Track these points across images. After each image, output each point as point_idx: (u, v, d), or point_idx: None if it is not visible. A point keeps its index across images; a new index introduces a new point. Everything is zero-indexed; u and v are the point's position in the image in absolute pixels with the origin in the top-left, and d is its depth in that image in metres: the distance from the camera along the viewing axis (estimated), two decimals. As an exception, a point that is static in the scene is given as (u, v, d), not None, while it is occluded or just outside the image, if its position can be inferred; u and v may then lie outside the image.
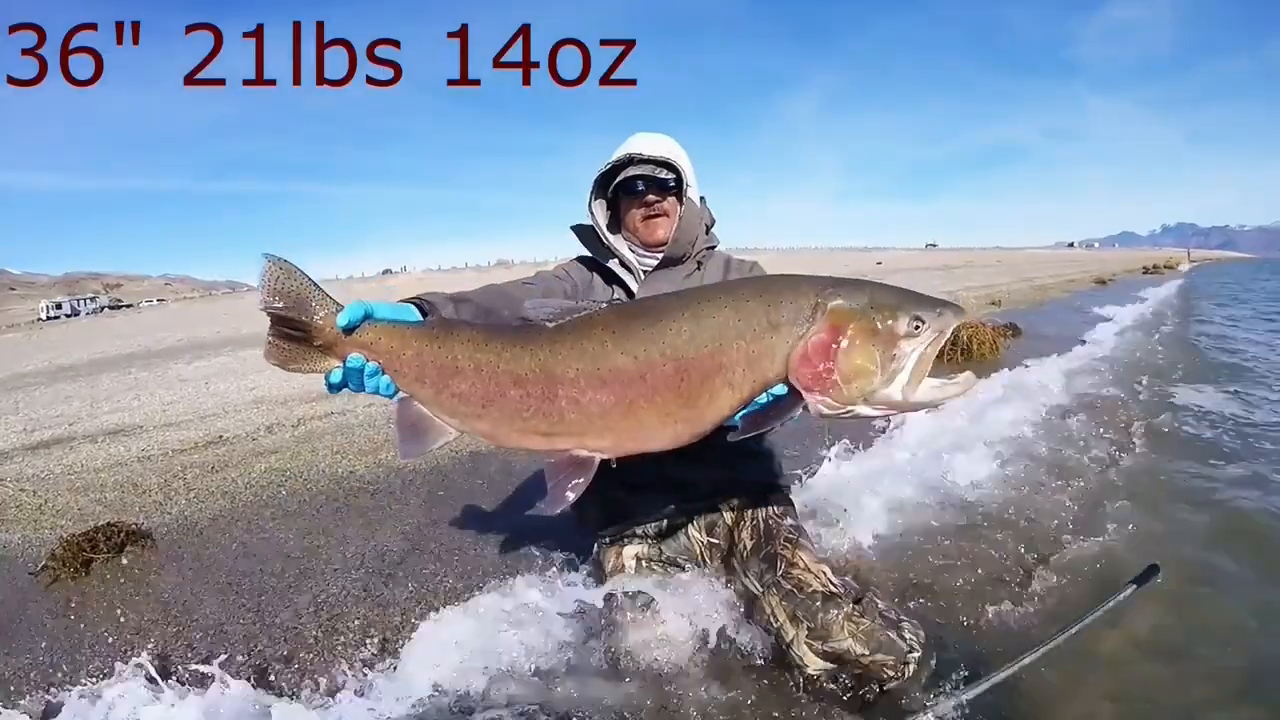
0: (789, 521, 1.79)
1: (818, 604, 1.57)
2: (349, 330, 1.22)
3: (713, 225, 1.81)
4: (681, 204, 1.70)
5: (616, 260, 1.75)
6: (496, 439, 1.28)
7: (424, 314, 1.33)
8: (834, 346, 1.16)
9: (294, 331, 1.23)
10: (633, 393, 1.20)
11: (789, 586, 1.63)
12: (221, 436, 4.58)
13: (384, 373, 1.24)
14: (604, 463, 1.73)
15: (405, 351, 1.24)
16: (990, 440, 3.58)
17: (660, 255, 1.74)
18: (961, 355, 6.05)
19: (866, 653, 1.53)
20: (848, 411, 1.19)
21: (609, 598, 1.81)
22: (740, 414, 1.21)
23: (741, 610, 1.84)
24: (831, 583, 1.63)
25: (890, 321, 1.17)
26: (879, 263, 47.56)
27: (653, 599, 1.77)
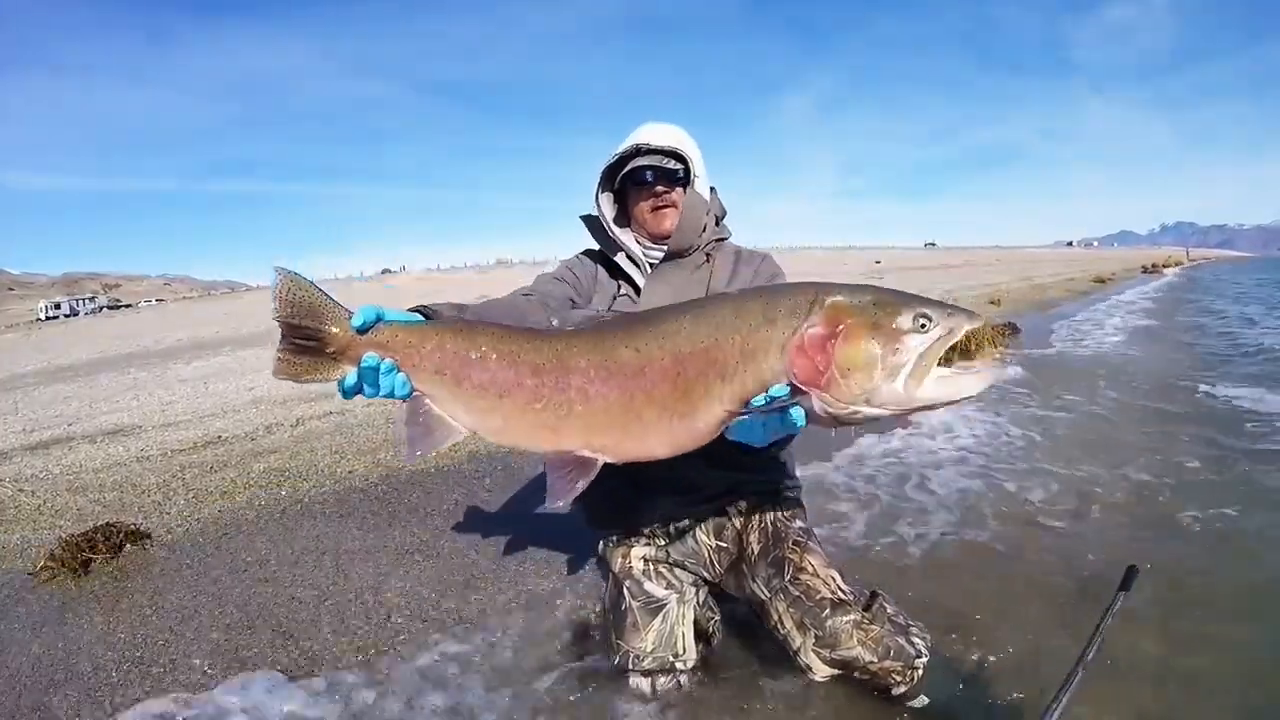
0: (798, 524, 1.76)
1: (826, 611, 1.55)
2: (363, 331, 1.24)
3: (724, 217, 1.78)
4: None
5: (623, 254, 1.73)
6: (506, 435, 1.28)
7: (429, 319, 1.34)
8: (831, 340, 1.13)
9: (306, 341, 1.25)
10: (634, 385, 1.21)
11: (797, 593, 1.60)
12: (220, 437, 4.56)
13: (399, 370, 1.24)
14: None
15: (425, 345, 1.26)
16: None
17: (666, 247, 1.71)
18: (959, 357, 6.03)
19: (875, 660, 1.51)
20: (852, 412, 1.14)
21: (616, 598, 1.79)
22: (739, 418, 1.19)
23: (748, 614, 1.82)
24: (841, 589, 1.60)
25: (893, 317, 1.12)
26: (878, 261, 47.55)
27: (660, 601, 1.75)
